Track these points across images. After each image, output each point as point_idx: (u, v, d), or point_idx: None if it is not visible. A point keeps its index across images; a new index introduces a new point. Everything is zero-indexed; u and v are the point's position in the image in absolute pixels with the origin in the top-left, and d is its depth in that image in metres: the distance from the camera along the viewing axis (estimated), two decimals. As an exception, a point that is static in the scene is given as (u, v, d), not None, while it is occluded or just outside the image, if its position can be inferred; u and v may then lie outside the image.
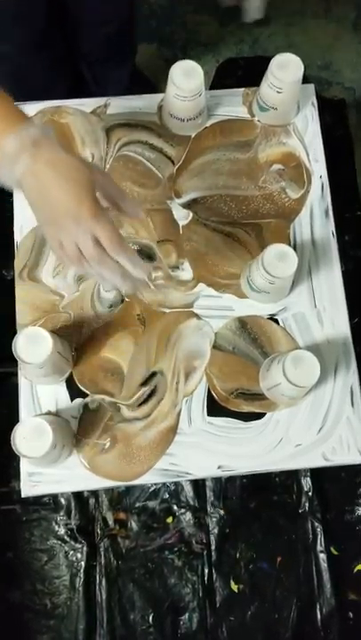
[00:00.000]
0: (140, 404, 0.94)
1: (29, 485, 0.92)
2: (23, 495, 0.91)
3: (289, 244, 1.01)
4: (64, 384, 0.95)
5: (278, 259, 0.88)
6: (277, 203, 1.03)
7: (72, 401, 0.94)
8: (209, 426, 0.94)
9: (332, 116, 1.70)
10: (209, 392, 0.96)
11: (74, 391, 0.95)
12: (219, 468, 0.93)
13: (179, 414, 0.94)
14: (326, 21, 1.81)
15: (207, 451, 0.93)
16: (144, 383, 0.95)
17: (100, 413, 0.94)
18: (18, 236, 1.01)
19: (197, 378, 0.96)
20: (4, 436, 1.40)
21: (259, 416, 0.96)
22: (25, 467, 0.92)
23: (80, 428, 0.94)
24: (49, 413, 0.93)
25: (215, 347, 0.98)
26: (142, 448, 0.93)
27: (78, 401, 0.94)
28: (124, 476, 0.93)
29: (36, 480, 0.92)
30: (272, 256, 0.88)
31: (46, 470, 0.91)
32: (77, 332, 0.97)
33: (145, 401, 0.94)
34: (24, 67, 1.22)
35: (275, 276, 0.88)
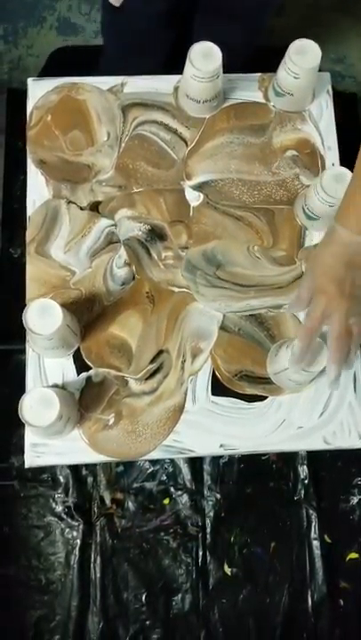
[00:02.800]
0: (147, 379, 0.95)
1: (33, 456, 0.92)
2: (27, 465, 0.92)
3: (300, 232, 1.02)
4: (71, 358, 0.96)
5: (336, 180, 0.91)
6: (290, 189, 1.04)
7: (78, 375, 0.95)
8: (213, 405, 0.95)
9: (343, 109, 1.71)
10: (213, 372, 0.97)
11: (81, 366, 0.96)
12: (221, 446, 0.94)
13: (186, 393, 0.95)
14: (342, 14, 1.81)
15: (210, 429, 0.94)
16: (152, 361, 0.96)
17: (104, 387, 0.95)
18: (30, 210, 1.01)
19: (203, 358, 0.97)
20: (5, 412, 1.42)
21: (262, 397, 0.97)
22: (29, 437, 0.92)
23: (82, 401, 0.94)
24: (55, 386, 0.94)
25: (221, 328, 0.98)
26: (149, 425, 0.94)
27: (85, 375, 0.95)
28: (128, 454, 0.94)
29: (39, 451, 0.92)
30: (330, 178, 0.90)
31: (50, 442, 0.92)
32: (87, 308, 0.97)
33: (151, 376, 0.95)
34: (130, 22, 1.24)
35: (334, 198, 0.90)
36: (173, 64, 1.37)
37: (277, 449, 0.96)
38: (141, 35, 1.29)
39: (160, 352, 0.96)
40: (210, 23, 1.29)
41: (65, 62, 1.75)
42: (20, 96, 1.45)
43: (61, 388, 0.94)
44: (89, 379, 0.95)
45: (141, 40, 1.31)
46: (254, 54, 1.49)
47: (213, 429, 0.94)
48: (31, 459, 0.92)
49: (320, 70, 1.00)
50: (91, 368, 0.96)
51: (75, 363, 0.96)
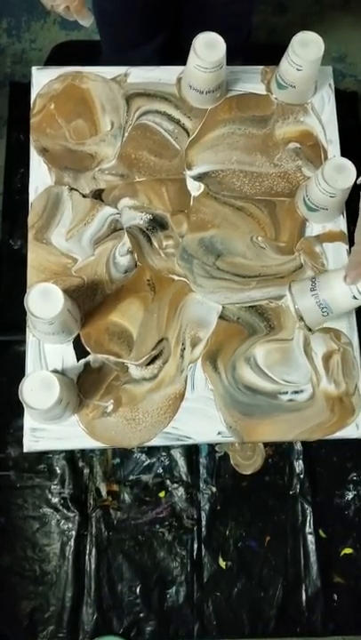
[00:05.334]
0: (148, 365, 0.95)
1: (32, 440, 0.92)
2: (25, 450, 0.92)
3: (302, 225, 1.03)
4: (71, 344, 0.96)
5: (337, 171, 0.92)
6: (292, 181, 1.04)
7: (78, 361, 0.95)
8: (211, 393, 0.96)
9: (343, 107, 1.73)
10: (213, 361, 0.97)
11: (81, 352, 0.96)
12: (218, 434, 0.94)
13: (186, 380, 0.95)
14: (344, 13, 1.83)
15: (208, 417, 0.95)
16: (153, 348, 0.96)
17: (102, 373, 0.95)
18: (32, 197, 1.01)
19: (202, 346, 0.97)
20: (3, 403, 1.42)
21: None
22: (28, 422, 0.92)
23: (80, 387, 0.94)
24: (55, 371, 0.94)
25: (220, 317, 0.99)
26: (149, 413, 0.94)
27: (83, 361, 0.95)
28: (128, 442, 0.94)
29: (38, 436, 0.92)
30: (332, 169, 0.91)
31: (49, 427, 0.92)
32: (89, 296, 0.97)
33: (152, 361, 0.95)
34: (116, 22, 1.28)
35: (336, 188, 0.92)
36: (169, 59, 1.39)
37: (271, 439, 0.96)
38: (125, 32, 1.32)
39: (160, 339, 0.97)
40: (195, 19, 1.31)
41: (67, 56, 1.76)
42: (22, 89, 1.46)
43: (61, 373, 0.94)
44: (87, 364, 0.95)
45: (126, 37, 1.33)
46: (251, 52, 1.51)
47: (212, 417, 0.95)
48: (30, 443, 0.92)
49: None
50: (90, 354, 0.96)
51: (75, 349, 0.96)
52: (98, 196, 1.01)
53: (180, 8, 1.32)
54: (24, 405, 0.83)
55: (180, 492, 1.44)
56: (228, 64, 0.99)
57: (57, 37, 1.78)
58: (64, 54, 1.76)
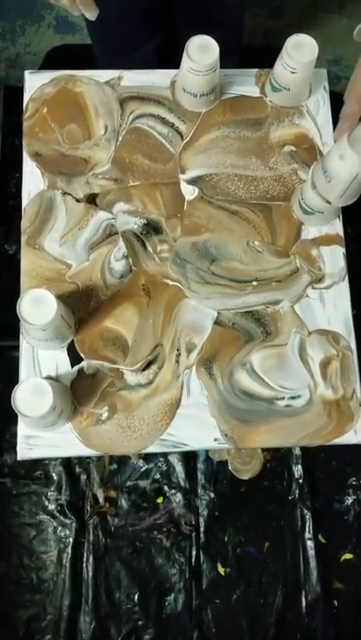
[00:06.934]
0: (143, 370, 0.94)
1: (25, 448, 0.91)
2: (19, 458, 0.91)
3: (298, 229, 1.02)
4: (65, 351, 0.95)
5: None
6: (288, 185, 1.04)
7: (72, 368, 0.94)
8: (207, 399, 0.95)
9: (338, 110, 1.72)
10: (209, 366, 0.96)
11: (75, 358, 0.95)
12: (215, 440, 0.93)
13: (182, 387, 0.94)
14: (339, 16, 1.82)
15: (205, 423, 0.94)
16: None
17: (96, 380, 0.94)
18: (25, 201, 1.00)
19: (197, 351, 0.96)
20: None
21: (257, 392, 0.96)
22: (22, 429, 0.91)
23: (74, 394, 0.93)
24: (49, 378, 0.93)
25: (216, 322, 0.98)
26: (145, 420, 0.93)
27: (77, 367, 0.94)
28: (123, 450, 0.93)
29: (32, 443, 0.91)
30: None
31: (43, 434, 0.91)
32: (83, 302, 0.96)
33: (147, 367, 0.94)
34: (114, 26, 1.27)
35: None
36: (164, 61, 1.39)
37: (268, 445, 0.95)
38: (124, 35, 1.31)
39: (156, 345, 0.96)
40: (190, 16, 1.30)
41: (62, 61, 1.76)
42: (16, 94, 1.46)
43: (55, 379, 0.93)
44: (81, 370, 0.94)
45: (125, 40, 1.32)
46: (247, 55, 1.50)
47: (208, 423, 0.94)
48: (23, 451, 0.91)
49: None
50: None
51: (69, 355, 0.95)
52: (92, 200, 1.01)
53: (175, 5, 1.32)
54: (17, 413, 0.82)
55: (178, 497, 1.43)
56: (222, 65, 0.98)
57: (52, 41, 1.78)
58: (59, 58, 1.76)
